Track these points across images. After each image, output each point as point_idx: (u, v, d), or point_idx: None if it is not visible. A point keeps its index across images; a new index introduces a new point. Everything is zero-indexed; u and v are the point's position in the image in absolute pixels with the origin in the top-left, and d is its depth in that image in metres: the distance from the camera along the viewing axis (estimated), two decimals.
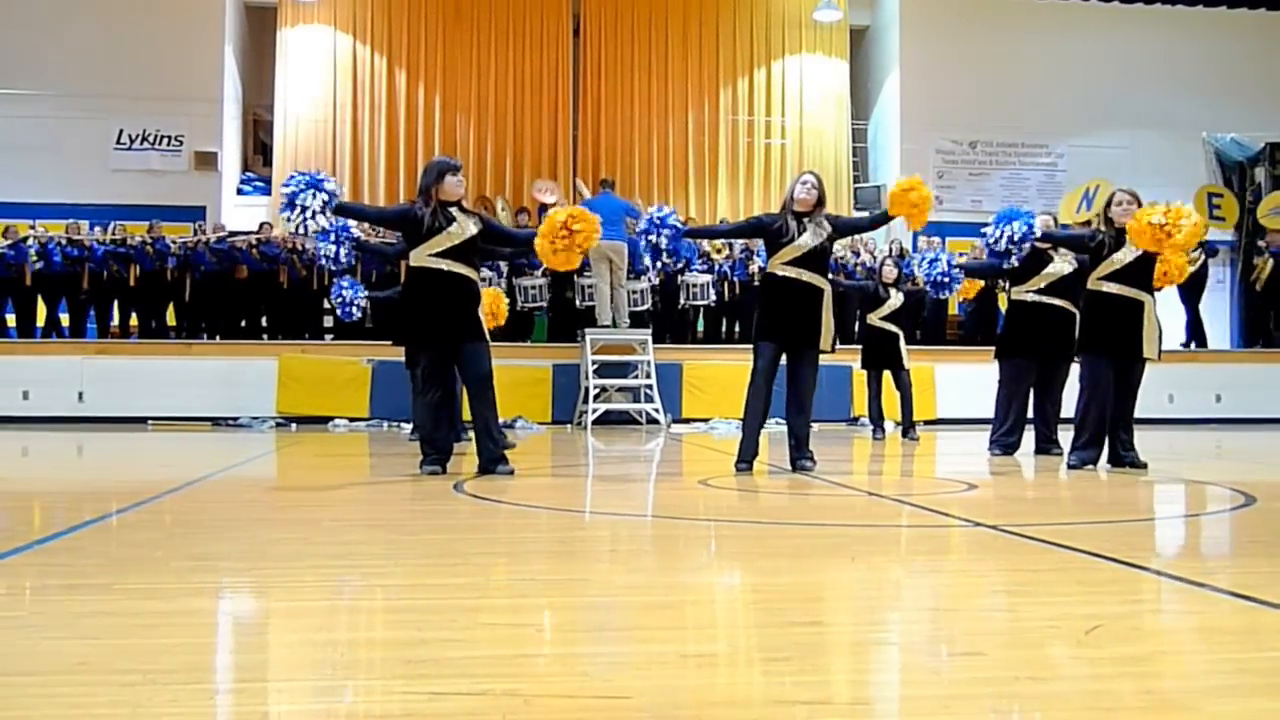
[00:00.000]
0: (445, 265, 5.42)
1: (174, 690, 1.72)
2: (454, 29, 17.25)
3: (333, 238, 7.09)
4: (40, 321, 13.47)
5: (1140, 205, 5.97)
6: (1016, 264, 6.89)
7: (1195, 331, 14.89)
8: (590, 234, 5.48)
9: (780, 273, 5.78)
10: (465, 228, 5.48)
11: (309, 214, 5.19)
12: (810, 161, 17.57)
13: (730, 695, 1.78)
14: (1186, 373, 13.97)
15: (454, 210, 5.50)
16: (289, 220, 5.27)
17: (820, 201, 5.85)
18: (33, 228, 13.74)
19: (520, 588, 2.71)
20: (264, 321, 13.80)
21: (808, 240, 5.75)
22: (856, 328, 13.55)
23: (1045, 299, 7.16)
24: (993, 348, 7.71)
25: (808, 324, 5.77)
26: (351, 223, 7.09)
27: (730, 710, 1.69)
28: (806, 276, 5.76)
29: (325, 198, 5.22)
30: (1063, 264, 7.14)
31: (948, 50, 17.25)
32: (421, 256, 5.44)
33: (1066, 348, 7.00)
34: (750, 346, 5.95)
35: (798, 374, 5.88)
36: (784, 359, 5.90)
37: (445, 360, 5.61)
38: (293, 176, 5.35)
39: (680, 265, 13.70)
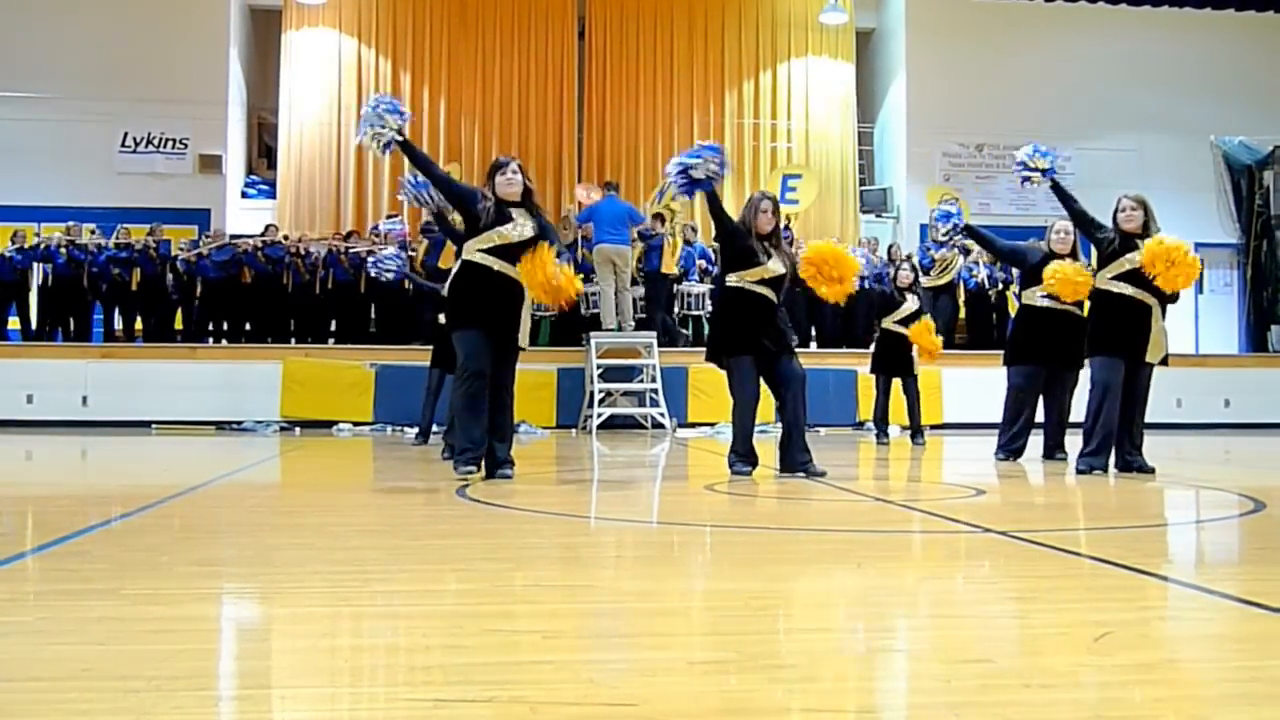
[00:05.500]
0: (493, 264, 5.33)
1: (179, 696, 1.71)
2: (459, 32, 17.28)
3: (414, 194, 6.91)
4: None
5: (1146, 210, 6.18)
6: (950, 251, 7.12)
7: None
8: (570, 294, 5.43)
9: (750, 288, 5.87)
10: (522, 230, 5.35)
11: (384, 129, 5.27)
12: (816, 164, 17.58)
13: (737, 703, 1.76)
14: (1194, 377, 13.93)
15: (514, 210, 5.40)
16: (365, 134, 5.32)
17: (777, 228, 6.01)
18: (37, 234, 13.78)
19: (525, 594, 2.70)
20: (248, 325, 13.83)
21: (777, 267, 5.89)
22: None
23: (1054, 304, 7.17)
24: (998, 352, 7.70)
25: (776, 332, 5.88)
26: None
27: (737, 718, 1.68)
28: (771, 295, 5.90)
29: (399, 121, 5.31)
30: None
31: (954, 53, 17.24)
32: (471, 250, 5.38)
33: (1075, 353, 7.12)
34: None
35: (788, 383, 5.90)
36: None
37: (484, 353, 5.37)
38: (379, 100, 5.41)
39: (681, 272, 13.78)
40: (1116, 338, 6.11)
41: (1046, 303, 7.18)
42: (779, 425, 6.24)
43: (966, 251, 14.43)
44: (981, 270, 14.17)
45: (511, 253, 5.34)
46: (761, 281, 5.85)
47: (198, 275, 13.48)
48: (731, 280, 5.91)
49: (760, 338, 5.85)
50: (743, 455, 5.92)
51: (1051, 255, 7.17)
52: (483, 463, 5.52)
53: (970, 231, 7.60)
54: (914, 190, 17.18)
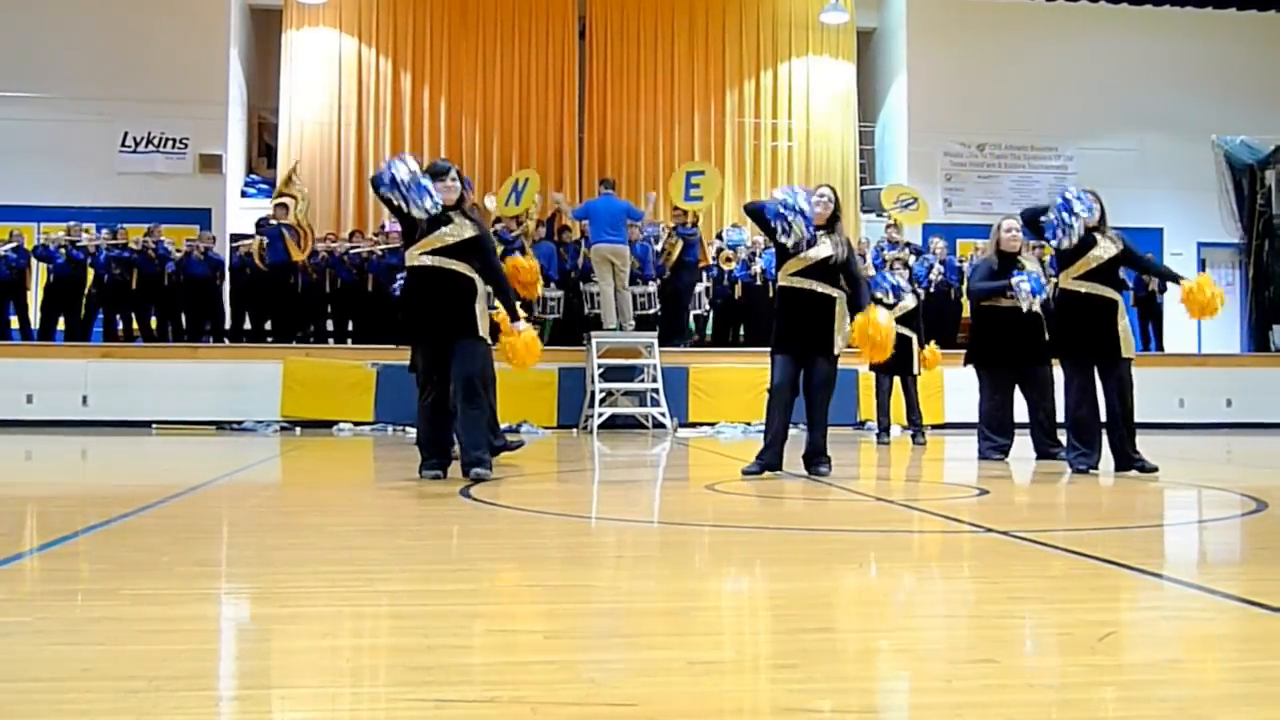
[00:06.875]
0: (436, 261, 5.36)
1: (179, 697, 1.71)
2: (459, 32, 17.26)
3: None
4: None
5: (1100, 203, 6.16)
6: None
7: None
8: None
9: (789, 284, 5.87)
10: (461, 231, 5.42)
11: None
12: (817, 164, 17.56)
13: (738, 703, 1.76)
14: (1197, 377, 13.93)
15: (453, 214, 5.44)
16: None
17: (836, 215, 5.94)
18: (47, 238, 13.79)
19: (526, 594, 2.69)
20: (268, 325, 13.85)
21: (816, 252, 5.83)
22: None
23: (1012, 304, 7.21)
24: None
25: (819, 334, 5.84)
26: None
27: (737, 718, 1.68)
28: (819, 287, 5.84)
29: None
30: (1030, 271, 7.28)
31: (955, 52, 17.22)
32: (414, 256, 5.43)
33: (1039, 349, 7.25)
34: (760, 351, 6.01)
35: (811, 384, 5.91)
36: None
37: (439, 360, 5.48)
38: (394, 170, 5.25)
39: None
40: (1082, 340, 6.13)
41: (1006, 303, 7.20)
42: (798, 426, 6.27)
43: (918, 252, 14.46)
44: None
45: (455, 252, 5.40)
46: (801, 273, 5.83)
47: (185, 272, 13.48)
48: (779, 278, 5.97)
49: (794, 338, 5.86)
50: (760, 454, 5.88)
51: (1002, 255, 7.24)
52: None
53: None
54: (915, 190, 17.16)
